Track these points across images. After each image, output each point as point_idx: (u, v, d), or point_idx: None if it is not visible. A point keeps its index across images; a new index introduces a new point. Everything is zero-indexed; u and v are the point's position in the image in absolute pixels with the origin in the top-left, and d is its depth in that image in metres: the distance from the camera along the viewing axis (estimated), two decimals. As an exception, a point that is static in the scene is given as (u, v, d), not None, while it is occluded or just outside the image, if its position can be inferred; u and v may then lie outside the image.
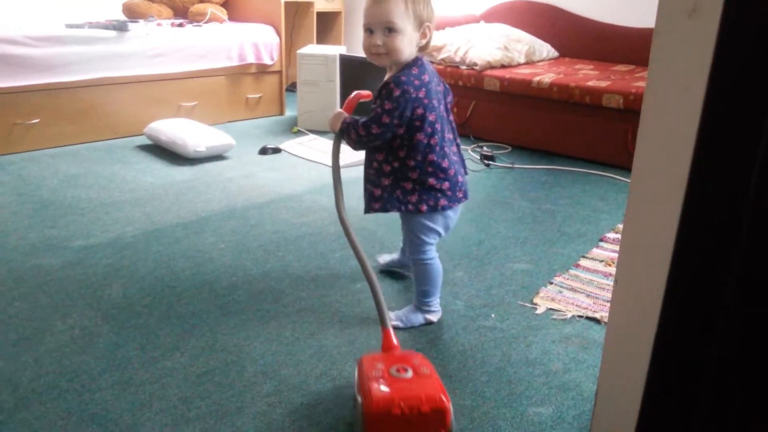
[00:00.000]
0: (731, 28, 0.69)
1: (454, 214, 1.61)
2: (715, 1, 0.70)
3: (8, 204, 2.37)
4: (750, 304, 0.78)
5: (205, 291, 1.77)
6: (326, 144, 3.26)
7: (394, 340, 1.34)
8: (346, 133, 1.54)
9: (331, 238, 2.16)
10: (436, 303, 1.65)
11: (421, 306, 1.64)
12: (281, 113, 4.07)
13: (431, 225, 1.57)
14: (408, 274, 1.90)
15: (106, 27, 3.22)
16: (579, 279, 1.88)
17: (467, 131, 3.50)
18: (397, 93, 1.43)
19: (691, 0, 0.72)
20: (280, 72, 4.00)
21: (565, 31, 3.86)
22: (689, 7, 0.72)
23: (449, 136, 1.56)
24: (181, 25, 3.57)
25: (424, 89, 1.46)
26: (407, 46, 1.45)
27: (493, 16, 4.15)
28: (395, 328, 1.55)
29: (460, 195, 1.57)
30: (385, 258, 1.95)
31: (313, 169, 2.93)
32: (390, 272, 1.93)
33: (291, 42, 4.68)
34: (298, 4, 4.58)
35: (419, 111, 1.46)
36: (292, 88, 4.55)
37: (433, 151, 1.50)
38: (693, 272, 0.83)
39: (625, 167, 2.97)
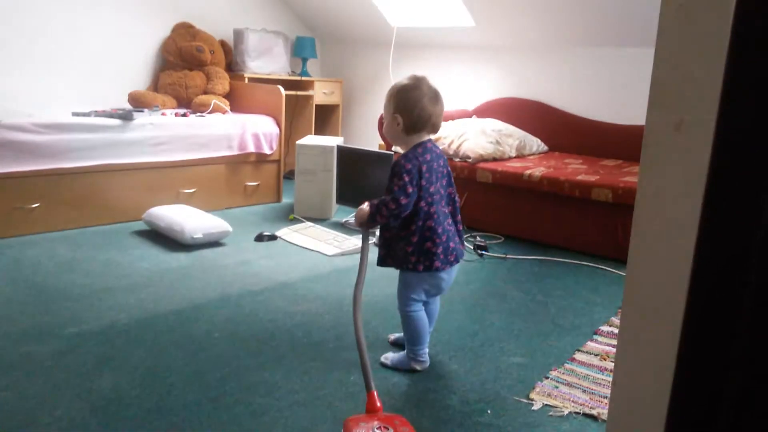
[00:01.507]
0: (723, 140, 0.74)
1: (447, 276, 1.83)
2: (702, 115, 0.75)
3: (2, 289, 2.36)
4: (759, 405, 0.78)
5: (197, 382, 1.75)
6: (322, 232, 3.30)
7: (378, 403, 1.49)
8: (378, 213, 1.73)
9: (325, 328, 2.15)
10: (423, 353, 1.87)
11: (410, 354, 1.87)
12: (278, 200, 4.14)
13: (422, 283, 1.81)
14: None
15: (111, 115, 3.33)
16: (575, 374, 1.87)
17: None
18: (408, 166, 1.73)
19: (678, 114, 0.77)
20: (278, 161, 4.10)
21: (555, 126, 4.02)
22: (676, 120, 0.77)
23: (446, 209, 1.83)
24: (184, 115, 3.70)
25: (425, 165, 1.76)
26: (391, 130, 1.82)
27: (485, 111, 4.32)
28: (383, 365, 1.88)
29: (452, 258, 1.80)
30: (393, 336, 2.11)
31: (308, 257, 2.96)
32: (400, 345, 2.04)
33: (290, 131, 4.84)
34: (298, 97, 4.77)
35: (422, 182, 1.74)
36: (289, 175, 4.65)
37: (432, 218, 1.75)
38: (696, 372, 0.84)
39: (616, 259, 3.01)
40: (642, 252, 0.83)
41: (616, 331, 2.19)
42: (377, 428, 1.34)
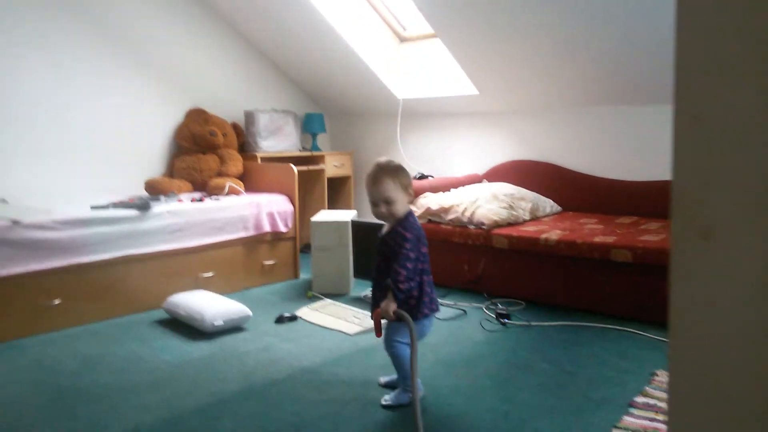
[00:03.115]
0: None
1: (429, 323, 2.18)
2: (732, 224, 0.75)
3: (24, 394, 2.35)
4: None
5: (226, 487, 1.71)
6: (341, 309, 3.28)
7: None
8: (397, 289, 2.01)
9: (352, 417, 2.11)
10: (416, 382, 2.00)
11: (405, 387, 2.14)
12: (296, 277, 4.14)
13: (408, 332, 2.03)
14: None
15: (129, 206, 3.39)
16: (613, 454, 1.81)
17: (480, 288, 3.54)
18: (409, 235, 2.05)
19: (705, 223, 0.77)
20: (294, 238, 4.13)
21: (566, 186, 4.03)
22: (703, 228, 0.77)
23: (428, 266, 2.15)
24: (200, 200, 3.76)
25: (419, 232, 2.11)
26: (402, 207, 2.11)
27: (495, 175, 4.36)
28: (387, 407, 2.13)
29: (434, 307, 2.15)
30: (384, 379, 2.35)
31: (329, 337, 2.93)
32: (391, 386, 2.30)
33: (304, 206, 4.89)
34: (310, 172, 4.85)
35: (422, 247, 2.08)
36: (305, 249, 4.67)
37: (426, 273, 2.11)
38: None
39: (640, 320, 2.95)
40: (683, 373, 0.81)
41: (651, 402, 2.13)
42: None
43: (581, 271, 3.16)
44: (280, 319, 3.17)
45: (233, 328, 3.04)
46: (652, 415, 2.04)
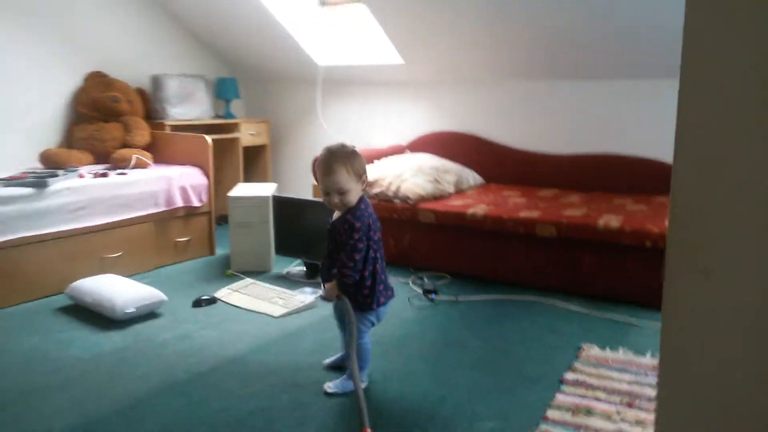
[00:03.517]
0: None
1: (385, 309, 2.14)
2: (732, 262, 0.70)
3: None
4: None
5: (152, 501, 1.57)
6: (264, 289, 3.14)
7: None
8: (341, 276, 1.99)
9: (286, 412, 2.01)
10: (364, 375, 2.13)
11: (351, 377, 2.02)
12: (212, 253, 3.94)
13: (371, 317, 2.10)
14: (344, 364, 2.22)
15: (23, 183, 3.06)
16: (551, 437, 1.82)
17: (406, 262, 3.50)
18: (358, 225, 1.98)
19: (704, 261, 0.72)
20: (209, 213, 3.91)
21: (489, 158, 4.04)
22: (702, 266, 0.72)
23: (381, 254, 2.10)
24: (104, 174, 3.45)
25: (370, 219, 2.03)
26: (355, 196, 2.01)
27: (418, 145, 4.30)
28: (327, 393, 2.09)
29: (389, 293, 2.13)
30: (329, 361, 2.31)
31: (253, 321, 2.79)
32: (336, 367, 2.28)
33: (218, 176, 4.63)
34: (224, 140, 4.59)
35: (372, 234, 2.02)
36: (220, 222, 4.43)
37: (378, 262, 2.06)
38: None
39: (564, 291, 3.02)
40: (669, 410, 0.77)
41: (580, 378, 2.17)
42: None
43: (506, 245, 3.18)
44: (197, 303, 2.99)
45: (147, 314, 2.83)
46: (582, 391, 2.08)
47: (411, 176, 3.57)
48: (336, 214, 2.08)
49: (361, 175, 2.00)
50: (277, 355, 2.43)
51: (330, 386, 2.11)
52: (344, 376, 2.14)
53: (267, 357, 2.41)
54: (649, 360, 2.32)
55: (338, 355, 2.30)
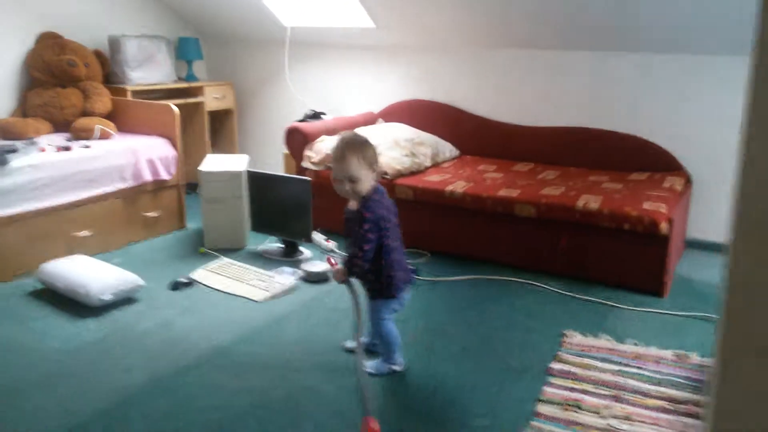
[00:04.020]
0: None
1: (407, 295, 2.20)
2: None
3: None
4: None
5: None
6: (242, 270, 3.08)
7: (373, 425, 1.76)
8: (351, 265, 2.04)
9: (279, 408, 2.00)
10: (398, 356, 2.21)
11: (387, 361, 2.20)
12: (183, 227, 3.83)
13: (393, 305, 2.15)
14: (375, 350, 2.29)
15: (-21, 161, 2.87)
16: (543, 433, 1.87)
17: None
18: (368, 215, 2.00)
19: (762, 341, 0.71)
20: (178, 185, 3.77)
21: (463, 130, 4.00)
22: (757, 346, 0.72)
23: (399, 241, 2.14)
24: (67, 148, 3.27)
25: (384, 210, 2.05)
26: (367, 185, 2.02)
27: (391, 114, 4.22)
28: (371, 375, 2.15)
29: (409, 279, 2.18)
30: (349, 344, 2.35)
31: (235, 306, 2.75)
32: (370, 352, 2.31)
33: (183, 142, 4.46)
34: (188, 105, 4.40)
35: (384, 223, 2.03)
36: (189, 190, 4.27)
37: (396, 250, 2.09)
38: None
39: (543, 271, 3.07)
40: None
41: (566, 368, 2.23)
42: None
43: (485, 224, 3.19)
44: (175, 286, 2.92)
45: (123, 300, 2.75)
46: (570, 383, 2.14)
47: (387, 150, 3.51)
48: (351, 204, 2.10)
49: (372, 164, 2.02)
50: (263, 345, 2.40)
51: (368, 366, 2.19)
52: (380, 359, 2.21)
53: (253, 347, 2.39)
54: (630, 347, 2.39)
55: (368, 339, 2.33)
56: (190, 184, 4.29)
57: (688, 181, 3.39)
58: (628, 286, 2.91)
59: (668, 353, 2.35)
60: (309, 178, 3.26)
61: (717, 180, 3.37)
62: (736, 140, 3.30)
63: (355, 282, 2.11)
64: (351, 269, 2.06)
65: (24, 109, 3.76)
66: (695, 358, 2.32)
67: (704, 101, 3.35)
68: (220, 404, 2.02)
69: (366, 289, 2.15)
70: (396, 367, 2.21)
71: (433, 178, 3.39)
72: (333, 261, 2.23)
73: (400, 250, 2.13)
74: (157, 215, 3.65)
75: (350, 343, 2.35)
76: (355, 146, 2.01)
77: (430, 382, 2.16)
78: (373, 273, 2.09)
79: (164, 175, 3.64)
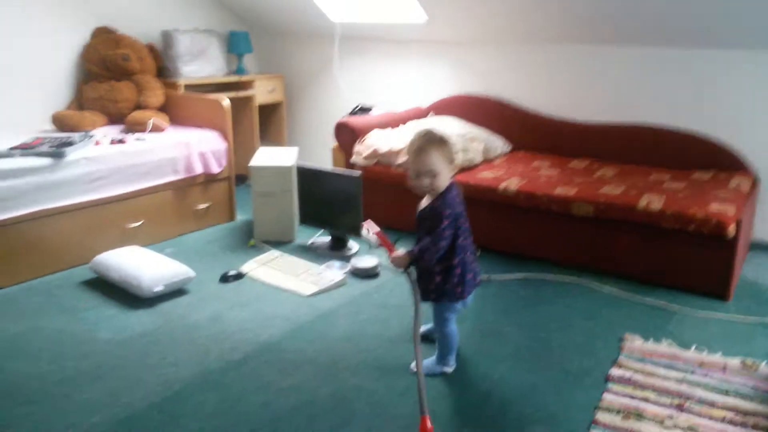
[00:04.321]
0: None
1: (472, 297, 2.13)
2: None
3: (-59, 392, 2.03)
4: None
5: None
6: (291, 263, 3.06)
7: (428, 424, 1.72)
8: (420, 255, 1.96)
9: (327, 407, 1.96)
10: (452, 359, 2.16)
11: (440, 361, 2.15)
12: (232, 219, 3.84)
13: (457, 305, 2.09)
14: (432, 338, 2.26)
15: (39, 153, 2.93)
16: (604, 443, 1.78)
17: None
18: (447, 212, 1.95)
19: None
20: (228, 178, 3.79)
21: (516, 125, 3.89)
22: None
23: (469, 240, 2.07)
24: (121, 141, 3.32)
25: (460, 207, 2.01)
26: (445, 181, 1.99)
27: (441, 109, 4.15)
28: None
29: (477, 281, 2.13)
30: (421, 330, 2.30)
31: (284, 300, 2.73)
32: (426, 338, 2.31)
33: (233, 134, 4.49)
34: (239, 99, 4.42)
35: (459, 221, 1.99)
36: (238, 182, 4.27)
37: (467, 250, 2.03)
38: None
39: (600, 272, 2.95)
40: None
41: (626, 375, 2.13)
42: None
43: (539, 222, 3.09)
44: (225, 278, 2.92)
45: (175, 291, 2.77)
46: (630, 390, 2.04)
47: (439, 145, 3.43)
48: (424, 201, 2.05)
49: (452, 160, 1.99)
50: (311, 342, 2.37)
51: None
52: (432, 359, 2.16)
53: (301, 344, 2.36)
54: (694, 354, 2.27)
55: (429, 326, 2.31)
56: (240, 176, 4.31)
57: (754, 181, 3.21)
58: (690, 289, 2.77)
59: (735, 361, 2.22)
60: (359, 173, 3.21)
61: (788, 180, 3.19)
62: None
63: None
64: (417, 260, 1.99)
65: (80, 102, 3.84)
66: (764, 367, 2.18)
67: (775, 96, 3.17)
68: (268, 401, 2.00)
69: (429, 291, 2.06)
70: (447, 369, 2.16)
71: (485, 175, 3.30)
72: (386, 239, 2.10)
73: (470, 249, 2.08)
74: (207, 207, 3.67)
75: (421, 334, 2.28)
76: (434, 140, 1.98)
77: (483, 385, 2.09)
78: (441, 273, 2.02)
79: (215, 168, 3.65)
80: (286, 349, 2.32)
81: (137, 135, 3.50)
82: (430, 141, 1.97)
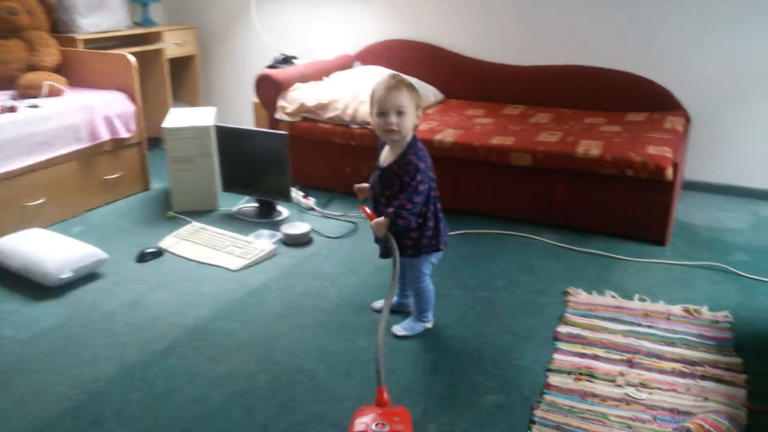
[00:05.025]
0: None
1: (441, 253, 2.05)
2: None
3: None
4: None
5: None
6: (215, 235, 2.84)
7: (384, 396, 1.60)
8: (396, 217, 1.86)
9: (266, 396, 1.81)
10: (431, 314, 2.12)
11: (420, 318, 2.10)
12: (147, 188, 3.54)
13: (432, 259, 2.03)
14: (407, 311, 2.19)
15: None
16: (559, 409, 1.71)
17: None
18: (422, 165, 1.87)
19: None
20: (139, 143, 3.47)
21: (447, 71, 3.73)
22: None
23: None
24: (13, 109, 2.93)
25: (429, 158, 1.94)
26: (410, 125, 1.88)
27: (368, 56, 3.93)
28: (404, 337, 2.06)
29: (446, 237, 2.03)
30: (378, 303, 2.25)
31: (208, 276, 2.52)
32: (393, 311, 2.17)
33: (141, 94, 4.12)
34: (146, 53, 4.03)
35: (431, 174, 1.92)
36: (150, 146, 3.94)
37: (438, 201, 1.98)
38: None
39: (539, 223, 2.89)
40: None
41: (574, 332, 2.07)
42: (375, 423, 1.49)
43: (476, 174, 2.98)
44: (142, 257, 2.67)
45: (86, 276, 2.50)
46: (579, 349, 1.98)
47: (366, 97, 3.22)
48: (386, 155, 1.94)
49: (419, 106, 1.91)
50: (243, 322, 2.19)
51: (398, 329, 2.09)
52: (411, 318, 2.13)
53: (233, 325, 2.18)
54: (638, 304, 2.24)
55: (397, 299, 2.23)
56: (153, 140, 3.98)
57: (687, 121, 3.19)
58: (629, 235, 2.75)
59: (677, 308, 2.21)
60: (285, 132, 2.98)
61: (717, 120, 3.19)
62: (736, 79, 3.11)
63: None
64: (395, 222, 1.88)
65: (-40, 64, 3.38)
66: (705, 312, 2.18)
67: (704, 39, 3.13)
68: (199, 395, 1.82)
69: (406, 247, 1.95)
70: (428, 325, 2.12)
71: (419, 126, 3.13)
72: (369, 211, 1.97)
73: (439, 202, 2.02)
74: (117, 177, 3.35)
75: (378, 304, 2.24)
76: (405, 82, 1.89)
77: (430, 356, 1.98)
78: (416, 228, 1.93)
79: (123, 133, 3.32)
80: (216, 333, 2.13)
81: (31, 101, 3.11)
82: (401, 81, 1.89)
